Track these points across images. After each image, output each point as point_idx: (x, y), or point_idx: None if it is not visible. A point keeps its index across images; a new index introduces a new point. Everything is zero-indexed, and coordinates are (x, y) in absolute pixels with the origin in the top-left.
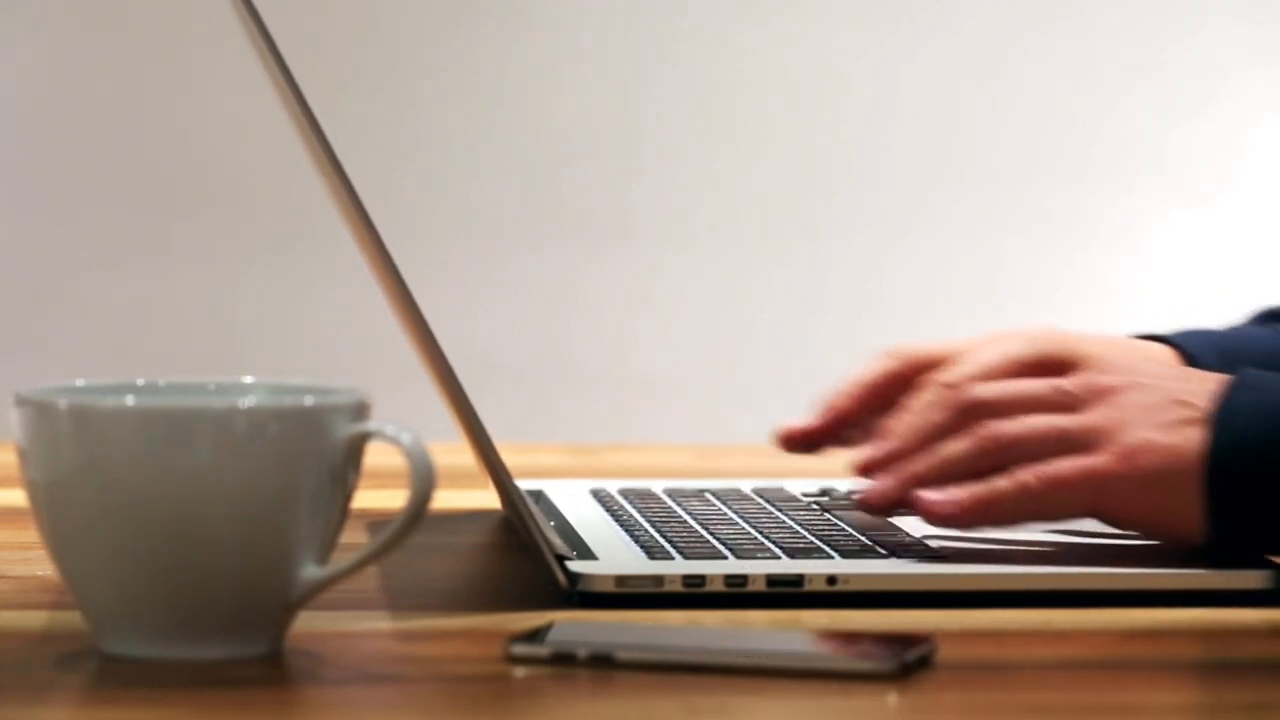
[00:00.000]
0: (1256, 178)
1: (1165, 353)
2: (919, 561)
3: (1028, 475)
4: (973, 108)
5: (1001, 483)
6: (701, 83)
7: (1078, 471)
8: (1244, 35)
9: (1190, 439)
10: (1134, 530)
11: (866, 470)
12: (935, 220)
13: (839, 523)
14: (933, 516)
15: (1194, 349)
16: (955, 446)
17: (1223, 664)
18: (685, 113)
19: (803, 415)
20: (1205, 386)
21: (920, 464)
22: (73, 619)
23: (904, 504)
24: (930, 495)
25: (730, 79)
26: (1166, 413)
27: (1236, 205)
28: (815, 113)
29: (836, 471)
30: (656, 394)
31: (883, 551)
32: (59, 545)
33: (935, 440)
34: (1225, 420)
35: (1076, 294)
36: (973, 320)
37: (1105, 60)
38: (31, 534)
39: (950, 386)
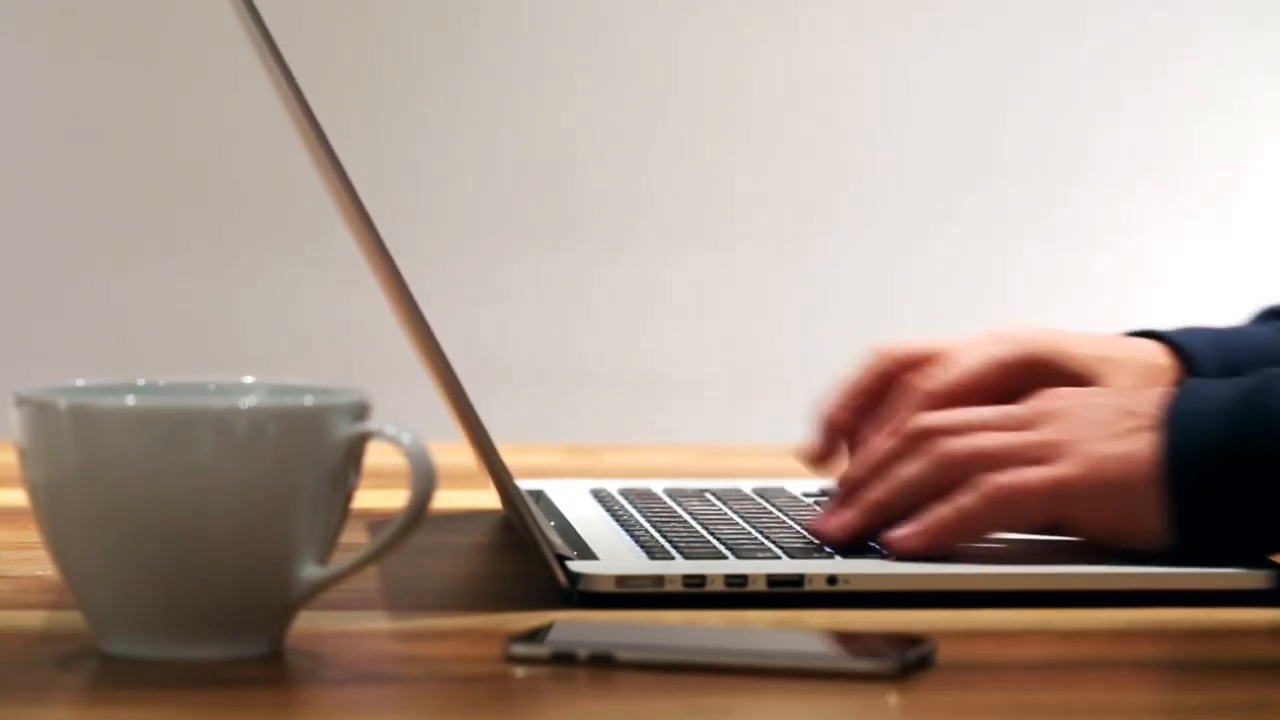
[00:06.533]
0: (1268, 183)
1: (1157, 350)
2: (919, 561)
3: (988, 486)
4: (984, 111)
5: (964, 498)
6: (711, 83)
7: (1040, 480)
8: (1254, 42)
9: (1144, 445)
10: (1097, 540)
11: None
12: (944, 223)
13: None
14: (900, 550)
15: (1191, 346)
16: (910, 468)
17: (1223, 664)
18: (693, 114)
19: (808, 428)
20: (1149, 397)
21: (878, 489)
22: (73, 619)
23: (863, 534)
24: (894, 533)
25: (740, 80)
26: (1117, 424)
27: (1249, 211)
28: (824, 115)
29: (837, 472)
30: (662, 396)
31: (883, 551)
32: (59, 545)
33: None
34: (1174, 423)
35: (1088, 298)
36: (983, 323)
37: (1116, 65)
38: (31, 534)
39: (919, 392)
